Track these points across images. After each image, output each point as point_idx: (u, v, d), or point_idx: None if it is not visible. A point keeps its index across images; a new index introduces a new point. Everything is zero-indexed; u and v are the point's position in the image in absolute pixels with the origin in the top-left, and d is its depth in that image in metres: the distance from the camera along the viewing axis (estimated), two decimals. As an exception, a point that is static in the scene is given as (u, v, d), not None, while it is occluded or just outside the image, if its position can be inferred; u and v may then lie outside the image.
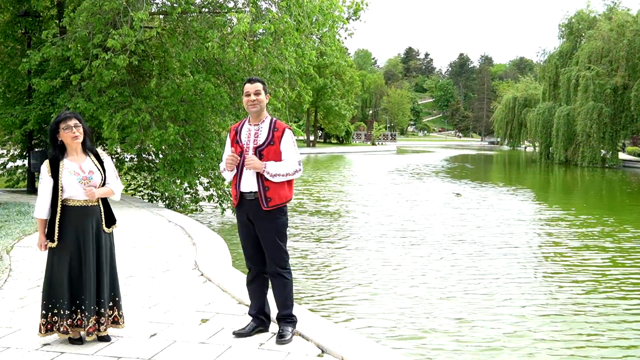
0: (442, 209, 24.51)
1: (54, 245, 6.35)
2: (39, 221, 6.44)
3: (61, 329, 6.34)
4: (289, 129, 6.63)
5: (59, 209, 6.36)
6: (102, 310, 6.49)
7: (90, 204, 6.47)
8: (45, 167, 6.42)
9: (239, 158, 6.57)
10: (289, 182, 6.62)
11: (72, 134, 6.43)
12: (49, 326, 6.37)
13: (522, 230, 19.39)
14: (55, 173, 6.37)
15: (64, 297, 6.34)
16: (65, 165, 6.41)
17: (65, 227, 6.36)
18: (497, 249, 16.25)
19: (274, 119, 6.68)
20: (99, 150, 6.74)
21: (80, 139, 6.49)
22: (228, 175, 6.73)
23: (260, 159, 6.48)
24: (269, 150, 6.51)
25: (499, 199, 29.30)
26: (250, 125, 6.66)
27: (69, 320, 6.35)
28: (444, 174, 47.67)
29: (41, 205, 6.40)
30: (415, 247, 16.28)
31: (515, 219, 21.89)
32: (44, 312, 6.39)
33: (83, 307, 6.38)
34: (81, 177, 6.40)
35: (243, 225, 6.70)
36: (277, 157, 6.51)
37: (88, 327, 6.39)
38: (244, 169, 6.54)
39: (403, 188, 34.50)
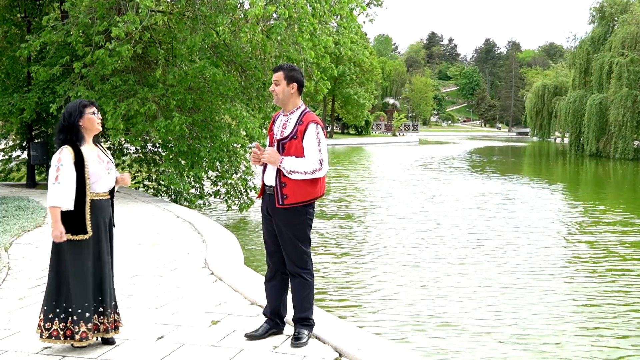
0: (482, 211, 23.66)
1: (86, 237, 6.21)
2: (56, 211, 6.12)
3: (78, 335, 6.17)
4: (316, 122, 6.49)
5: (88, 199, 6.24)
6: (117, 309, 6.50)
7: (107, 197, 6.44)
8: (68, 153, 6.18)
9: (260, 152, 6.54)
10: (313, 180, 6.50)
11: (98, 119, 6.41)
12: (68, 332, 6.21)
13: (576, 239, 18.24)
14: (79, 161, 6.23)
15: (90, 298, 6.25)
16: (86, 153, 6.30)
17: (92, 221, 6.28)
18: (551, 264, 14.96)
19: (306, 110, 6.60)
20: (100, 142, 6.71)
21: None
22: (259, 168, 6.74)
23: (282, 152, 6.45)
24: (290, 144, 6.45)
25: (555, 198, 28.76)
26: (282, 114, 6.67)
27: (90, 325, 6.22)
28: (475, 169, 47.01)
29: (68, 195, 6.11)
30: (447, 254, 15.76)
31: (564, 224, 21.01)
32: (62, 315, 6.22)
33: (104, 309, 6.34)
34: (104, 166, 6.37)
35: (264, 218, 6.72)
36: (299, 153, 6.43)
37: (109, 328, 6.37)
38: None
39: (434, 185, 33.75)
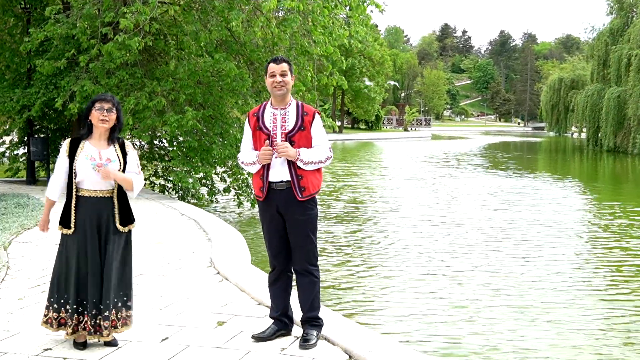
0: (509, 213, 22.69)
1: (69, 232, 6.32)
2: (48, 202, 6.48)
3: (70, 329, 6.31)
4: (319, 113, 6.67)
5: (74, 193, 6.34)
6: (107, 313, 6.38)
7: (101, 195, 6.39)
8: (64, 145, 6.44)
9: (272, 151, 6.48)
10: (319, 171, 6.60)
11: (102, 116, 6.37)
12: (62, 321, 6.37)
13: (616, 245, 17.01)
14: (72, 154, 6.36)
15: (70, 293, 6.32)
16: (85, 147, 6.38)
17: (78, 217, 6.33)
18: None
19: (300, 102, 6.67)
20: (127, 142, 6.68)
21: (107, 125, 6.43)
22: (254, 168, 6.63)
23: (291, 145, 6.45)
24: (299, 136, 6.48)
25: (583, 198, 28.02)
26: (276, 109, 6.60)
27: (72, 320, 6.30)
28: (493, 166, 46.36)
29: (54, 185, 6.44)
30: (480, 264, 14.71)
31: (600, 228, 19.62)
32: (55, 306, 6.38)
33: (88, 309, 6.31)
34: (95, 163, 6.33)
35: (271, 218, 6.63)
36: (308, 144, 6.51)
37: (92, 330, 6.34)
38: (274, 157, 6.48)
39: (454, 184, 32.78)
